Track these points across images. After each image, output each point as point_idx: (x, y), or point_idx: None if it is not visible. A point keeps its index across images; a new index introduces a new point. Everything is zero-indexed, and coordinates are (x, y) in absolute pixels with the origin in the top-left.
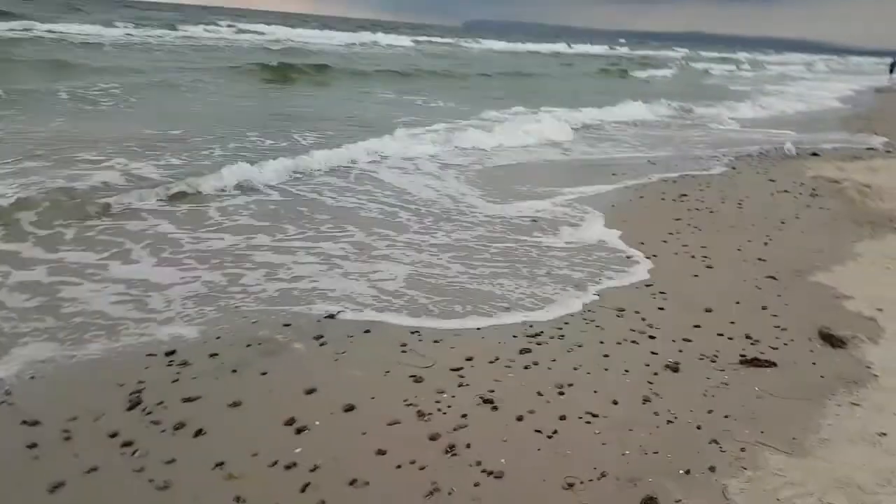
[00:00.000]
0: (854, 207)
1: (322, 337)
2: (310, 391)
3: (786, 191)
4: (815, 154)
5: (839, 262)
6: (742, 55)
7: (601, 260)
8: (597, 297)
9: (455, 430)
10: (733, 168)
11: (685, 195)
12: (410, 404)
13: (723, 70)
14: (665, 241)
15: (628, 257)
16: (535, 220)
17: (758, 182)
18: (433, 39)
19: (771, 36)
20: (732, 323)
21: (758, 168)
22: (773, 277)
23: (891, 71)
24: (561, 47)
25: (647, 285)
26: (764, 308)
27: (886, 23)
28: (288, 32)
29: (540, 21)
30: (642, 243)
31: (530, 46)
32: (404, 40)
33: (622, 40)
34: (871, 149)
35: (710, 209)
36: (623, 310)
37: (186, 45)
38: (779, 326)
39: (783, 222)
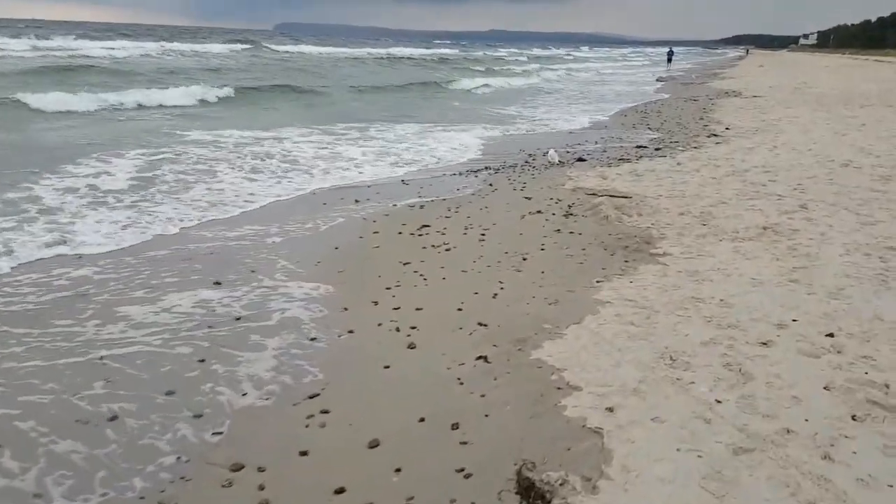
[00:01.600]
0: (609, 229)
1: None
2: None
3: (539, 211)
4: (581, 159)
5: (575, 320)
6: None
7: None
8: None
9: None
10: (490, 185)
11: (427, 226)
12: None
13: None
14: (376, 303)
15: (312, 339)
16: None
17: (512, 202)
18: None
19: (566, 31)
20: (398, 471)
21: (516, 183)
22: (486, 359)
23: (668, 61)
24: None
25: (312, 397)
26: (455, 427)
27: (667, 16)
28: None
29: (348, 23)
30: (346, 309)
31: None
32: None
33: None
34: (641, 146)
35: (448, 245)
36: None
37: None
38: (463, 470)
39: (525, 258)
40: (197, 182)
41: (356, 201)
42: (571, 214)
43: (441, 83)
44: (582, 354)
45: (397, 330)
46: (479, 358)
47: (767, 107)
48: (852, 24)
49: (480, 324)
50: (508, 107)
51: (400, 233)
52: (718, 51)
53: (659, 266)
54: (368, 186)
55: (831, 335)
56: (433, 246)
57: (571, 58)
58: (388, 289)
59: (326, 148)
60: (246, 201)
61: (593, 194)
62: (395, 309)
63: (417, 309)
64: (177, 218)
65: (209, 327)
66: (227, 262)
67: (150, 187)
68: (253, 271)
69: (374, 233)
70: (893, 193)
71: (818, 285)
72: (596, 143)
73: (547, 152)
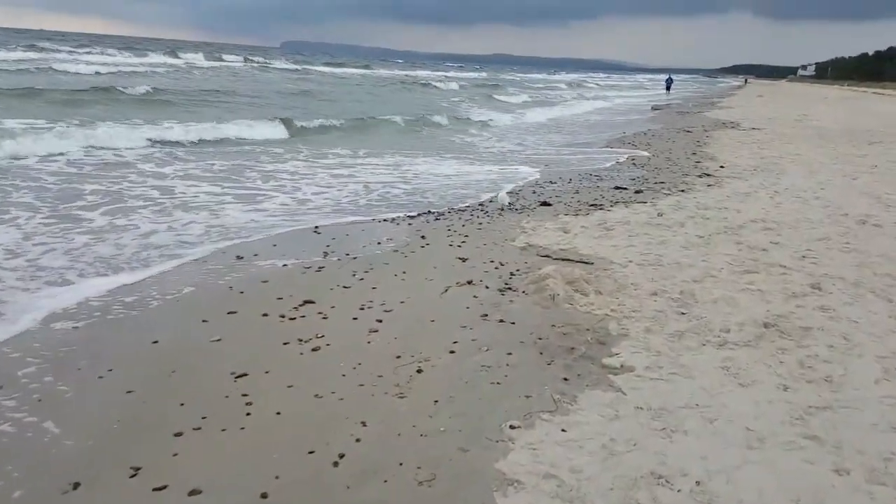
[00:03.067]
0: (553, 316)
1: None
2: None
3: (470, 282)
4: (545, 203)
5: None
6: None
7: None
8: None
9: None
10: (423, 237)
11: (310, 302)
12: None
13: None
14: (135, 473)
15: None
16: None
17: (441, 264)
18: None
19: (569, 57)
20: None
21: (456, 235)
22: None
23: (667, 88)
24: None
25: None
26: None
27: (668, 44)
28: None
29: (354, 43)
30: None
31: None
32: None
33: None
34: (620, 188)
35: (321, 341)
36: None
37: None
38: None
39: (420, 370)
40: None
41: (238, 258)
42: (510, 289)
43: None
44: None
45: None
46: None
47: (766, 141)
48: (850, 57)
49: None
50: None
51: (266, 314)
52: (718, 79)
53: (611, 395)
54: (262, 238)
55: None
56: (300, 341)
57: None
58: (176, 436)
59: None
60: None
61: (547, 256)
62: (157, 490)
63: (192, 494)
64: None
65: None
66: None
67: None
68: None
69: (230, 314)
70: None
71: (850, 453)
72: (570, 180)
73: (497, 195)
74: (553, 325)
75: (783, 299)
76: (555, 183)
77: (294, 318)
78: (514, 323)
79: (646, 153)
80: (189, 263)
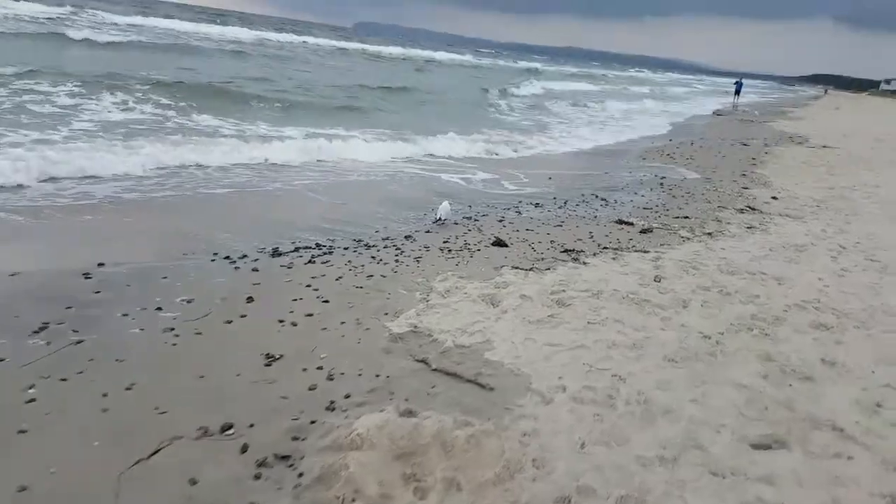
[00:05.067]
0: None
1: None
2: None
3: (205, 432)
4: (499, 243)
5: None
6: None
7: None
8: None
9: None
10: (249, 300)
11: None
12: None
13: None
14: None
15: None
16: None
17: (219, 375)
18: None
19: (642, 54)
20: None
21: (304, 300)
22: None
23: (736, 92)
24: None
25: None
26: None
27: (745, 47)
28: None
29: (425, 26)
30: None
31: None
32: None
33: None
34: (624, 222)
35: None
36: None
37: None
38: None
39: None
40: None
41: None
42: (283, 458)
43: None
44: None
45: None
46: None
47: (839, 164)
48: None
49: None
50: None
51: None
52: (795, 87)
53: None
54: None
55: None
56: None
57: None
58: None
59: None
60: None
61: (424, 362)
62: None
63: None
64: None
65: None
66: None
67: None
68: None
69: None
70: None
71: None
72: (562, 204)
73: (437, 210)
74: None
75: None
76: (539, 206)
77: None
78: None
79: (683, 171)
80: None
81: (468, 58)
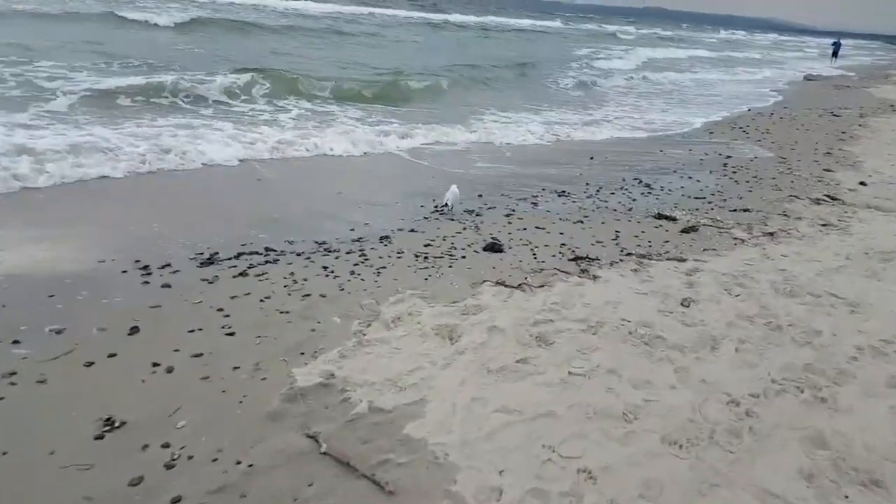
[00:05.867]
0: None
1: None
2: None
3: None
4: (494, 247)
5: None
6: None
7: None
8: None
9: None
10: (132, 330)
11: None
12: None
13: None
14: None
15: None
16: None
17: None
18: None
19: (728, 14)
20: None
21: (210, 331)
22: None
23: (833, 54)
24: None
25: None
26: None
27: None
28: None
29: None
30: None
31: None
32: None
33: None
34: (664, 216)
35: None
36: None
37: None
38: None
39: None
40: None
41: None
42: None
43: None
44: None
45: None
46: None
47: None
48: None
49: None
50: None
51: None
52: None
53: None
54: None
55: None
56: None
57: None
58: None
59: None
60: None
61: (311, 436)
62: None
63: None
64: None
65: None
66: None
67: None
68: None
69: None
70: None
71: None
72: (594, 192)
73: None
74: None
75: None
76: (563, 195)
77: None
78: None
79: (755, 148)
80: None
81: (557, 24)
